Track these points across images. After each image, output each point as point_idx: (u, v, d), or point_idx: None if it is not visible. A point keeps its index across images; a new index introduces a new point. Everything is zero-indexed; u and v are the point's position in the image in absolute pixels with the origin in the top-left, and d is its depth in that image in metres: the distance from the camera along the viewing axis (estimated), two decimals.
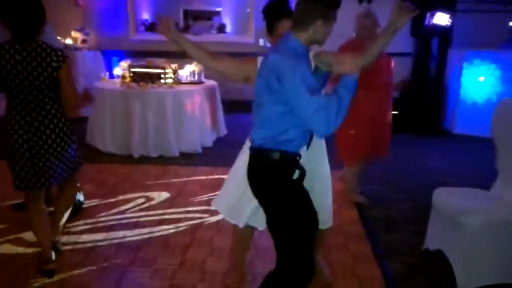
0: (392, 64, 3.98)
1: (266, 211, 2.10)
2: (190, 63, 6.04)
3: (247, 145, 2.33)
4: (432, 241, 3.04)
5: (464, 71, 6.47)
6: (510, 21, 6.72)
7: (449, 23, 6.31)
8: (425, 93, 6.66)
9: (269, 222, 2.10)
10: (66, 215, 3.08)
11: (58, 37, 5.01)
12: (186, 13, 10.36)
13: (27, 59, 2.52)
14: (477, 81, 6.37)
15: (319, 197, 2.37)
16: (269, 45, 2.49)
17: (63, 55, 2.60)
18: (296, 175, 2.01)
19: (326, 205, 2.58)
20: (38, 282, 2.73)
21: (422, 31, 6.53)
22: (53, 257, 2.85)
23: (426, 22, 6.36)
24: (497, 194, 2.90)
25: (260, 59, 2.32)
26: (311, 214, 2.08)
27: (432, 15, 6.27)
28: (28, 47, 2.53)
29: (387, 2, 7.50)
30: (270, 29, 2.39)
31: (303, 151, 2.06)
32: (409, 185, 4.49)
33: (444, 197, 2.97)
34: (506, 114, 2.98)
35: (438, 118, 6.82)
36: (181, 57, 6.81)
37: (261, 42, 7.53)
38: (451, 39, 6.69)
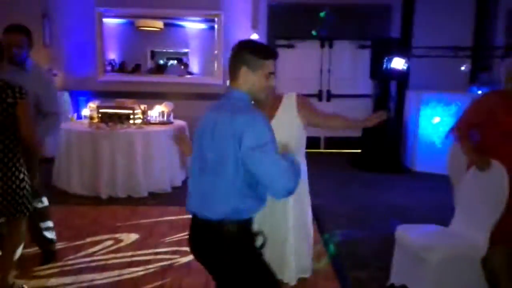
0: None
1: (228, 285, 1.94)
2: (160, 103, 6.13)
3: None
4: (397, 277, 3.16)
5: (421, 112, 6.86)
6: (461, 65, 7.24)
7: (405, 67, 6.73)
8: (386, 133, 6.98)
9: None
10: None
11: None
12: (153, 54, 10.61)
13: None
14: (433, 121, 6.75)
15: (298, 245, 2.48)
16: None
17: (21, 92, 2.64)
18: (259, 241, 1.90)
19: (305, 253, 2.65)
20: None
21: (380, 74, 6.93)
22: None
23: (384, 66, 6.78)
24: (455, 230, 3.07)
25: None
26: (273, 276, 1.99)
27: (390, 60, 6.69)
28: None
29: (347, 45, 7.97)
30: None
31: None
32: (374, 222, 4.64)
33: (406, 234, 3.11)
34: (460, 154, 3.20)
35: (399, 156, 7.13)
36: (150, 97, 6.90)
37: (228, 82, 7.72)
38: (408, 82, 7.12)
